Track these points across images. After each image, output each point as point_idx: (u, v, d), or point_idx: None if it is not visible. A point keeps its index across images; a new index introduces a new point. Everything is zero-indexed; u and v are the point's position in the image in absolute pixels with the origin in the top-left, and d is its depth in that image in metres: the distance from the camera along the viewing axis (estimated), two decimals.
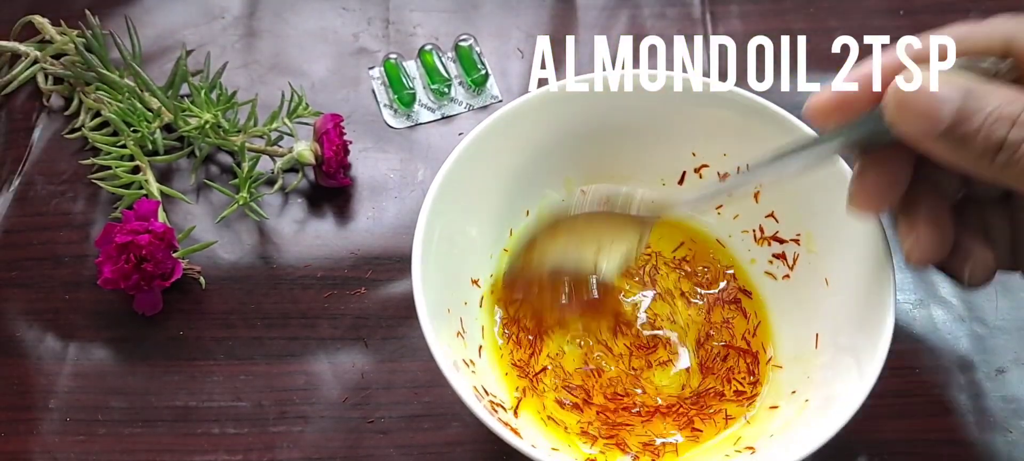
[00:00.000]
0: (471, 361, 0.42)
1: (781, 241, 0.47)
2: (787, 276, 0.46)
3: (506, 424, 0.39)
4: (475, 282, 0.46)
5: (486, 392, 0.41)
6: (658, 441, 0.42)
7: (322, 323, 0.49)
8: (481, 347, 0.44)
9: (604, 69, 0.49)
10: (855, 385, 0.38)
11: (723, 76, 0.58)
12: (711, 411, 0.44)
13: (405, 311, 0.49)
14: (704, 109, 0.46)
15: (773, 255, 0.47)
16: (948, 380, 0.47)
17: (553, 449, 0.41)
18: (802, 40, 0.60)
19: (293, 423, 0.46)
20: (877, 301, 0.40)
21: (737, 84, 0.45)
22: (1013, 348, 0.48)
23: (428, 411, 0.46)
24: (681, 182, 0.48)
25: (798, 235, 0.46)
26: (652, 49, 0.54)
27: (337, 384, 0.47)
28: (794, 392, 0.42)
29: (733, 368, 0.45)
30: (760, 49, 0.60)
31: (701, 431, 0.43)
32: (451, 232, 0.43)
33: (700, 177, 0.48)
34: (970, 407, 0.46)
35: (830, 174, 0.43)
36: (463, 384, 0.38)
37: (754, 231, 0.48)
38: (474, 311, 0.45)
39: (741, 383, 0.44)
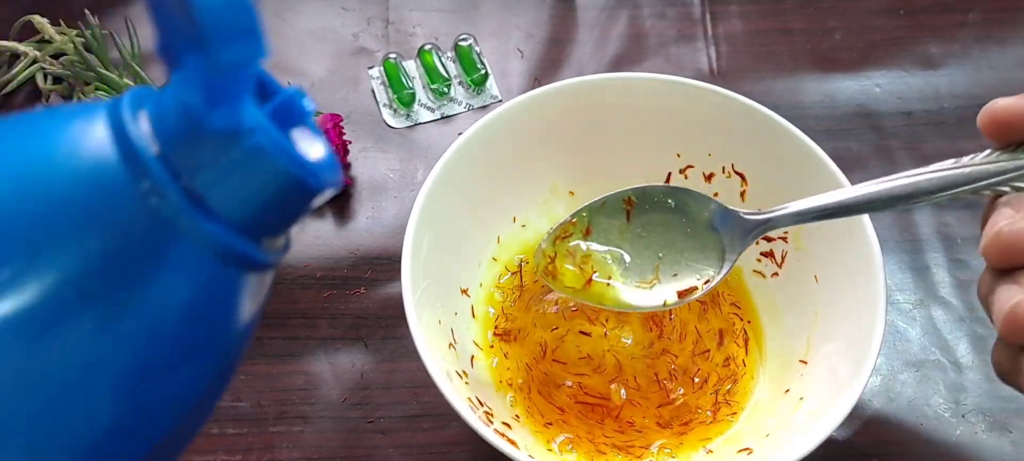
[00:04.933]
0: (464, 372, 0.42)
1: (769, 239, 0.47)
2: (776, 274, 0.46)
3: (502, 434, 0.39)
4: (465, 291, 0.45)
5: (480, 403, 0.41)
6: (654, 446, 0.42)
7: (321, 323, 0.49)
8: (473, 358, 0.44)
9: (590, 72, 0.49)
10: (850, 382, 0.38)
11: (723, 76, 0.58)
12: (705, 412, 0.43)
13: (404, 311, 0.49)
14: (689, 110, 0.46)
15: (761, 253, 0.47)
16: (948, 380, 0.47)
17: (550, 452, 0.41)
18: (802, 40, 0.60)
19: (292, 423, 0.46)
20: (868, 296, 0.40)
21: (737, 84, 0.46)
22: None
23: (427, 411, 0.46)
24: (667, 182, 0.48)
25: (786, 232, 0.46)
26: (651, 49, 0.54)
27: (337, 384, 0.47)
28: (788, 391, 0.42)
29: (726, 368, 0.45)
30: (760, 49, 0.60)
31: (695, 433, 0.43)
32: (440, 243, 0.43)
33: (685, 178, 0.48)
34: (970, 407, 0.46)
35: (816, 169, 0.43)
36: (458, 397, 0.38)
37: None
38: (465, 321, 0.45)
39: (734, 383, 0.44)
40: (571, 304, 0.45)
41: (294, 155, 0.23)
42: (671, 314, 0.46)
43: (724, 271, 0.40)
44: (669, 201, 0.42)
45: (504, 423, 0.41)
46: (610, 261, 0.43)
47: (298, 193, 0.23)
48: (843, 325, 0.41)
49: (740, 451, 0.41)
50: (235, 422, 0.46)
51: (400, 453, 0.45)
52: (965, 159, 0.35)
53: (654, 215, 0.42)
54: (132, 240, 0.22)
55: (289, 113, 0.23)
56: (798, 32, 0.61)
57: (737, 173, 0.46)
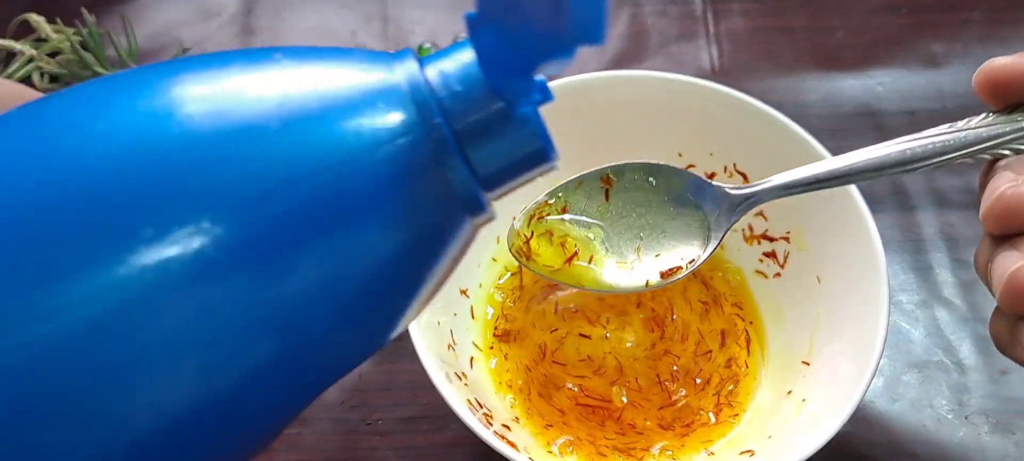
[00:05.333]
0: (463, 373, 0.42)
1: (771, 239, 0.46)
2: (778, 274, 0.46)
3: (501, 437, 0.38)
4: (464, 292, 0.45)
5: (480, 405, 0.40)
6: (656, 448, 0.42)
7: None
8: (473, 359, 0.44)
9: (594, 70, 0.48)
10: (853, 383, 0.38)
11: (724, 74, 0.58)
12: (707, 413, 0.43)
13: None
14: (691, 109, 0.46)
15: (764, 253, 0.47)
16: (951, 381, 0.47)
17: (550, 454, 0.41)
18: (804, 38, 0.60)
19: (290, 425, 0.45)
20: (871, 296, 0.40)
21: (739, 82, 0.45)
22: None
23: (427, 412, 0.46)
24: None
25: (788, 232, 0.46)
26: (653, 47, 0.54)
27: (335, 386, 0.46)
28: (790, 392, 0.42)
29: (728, 369, 0.45)
30: (761, 47, 0.60)
31: (697, 434, 0.42)
32: None
33: None
34: (974, 408, 0.46)
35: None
36: (458, 399, 0.37)
37: (743, 230, 0.47)
38: (465, 322, 0.44)
39: (736, 384, 0.44)
40: (571, 305, 0.45)
41: (546, 131, 0.25)
42: (673, 315, 0.46)
43: (710, 250, 0.39)
44: (650, 179, 0.40)
45: (504, 425, 0.41)
46: (591, 239, 0.41)
47: (534, 163, 0.26)
48: (846, 326, 0.41)
49: (742, 453, 0.40)
50: None
51: (399, 455, 0.45)
52: (960, 123, 0.35)
53: (634, 194, 0.40)
54: (406, 171, 0.24)
55: (540, 95, 0.26)
56: (800, 30, 0.60)
57: (739, 172, 0.46)
